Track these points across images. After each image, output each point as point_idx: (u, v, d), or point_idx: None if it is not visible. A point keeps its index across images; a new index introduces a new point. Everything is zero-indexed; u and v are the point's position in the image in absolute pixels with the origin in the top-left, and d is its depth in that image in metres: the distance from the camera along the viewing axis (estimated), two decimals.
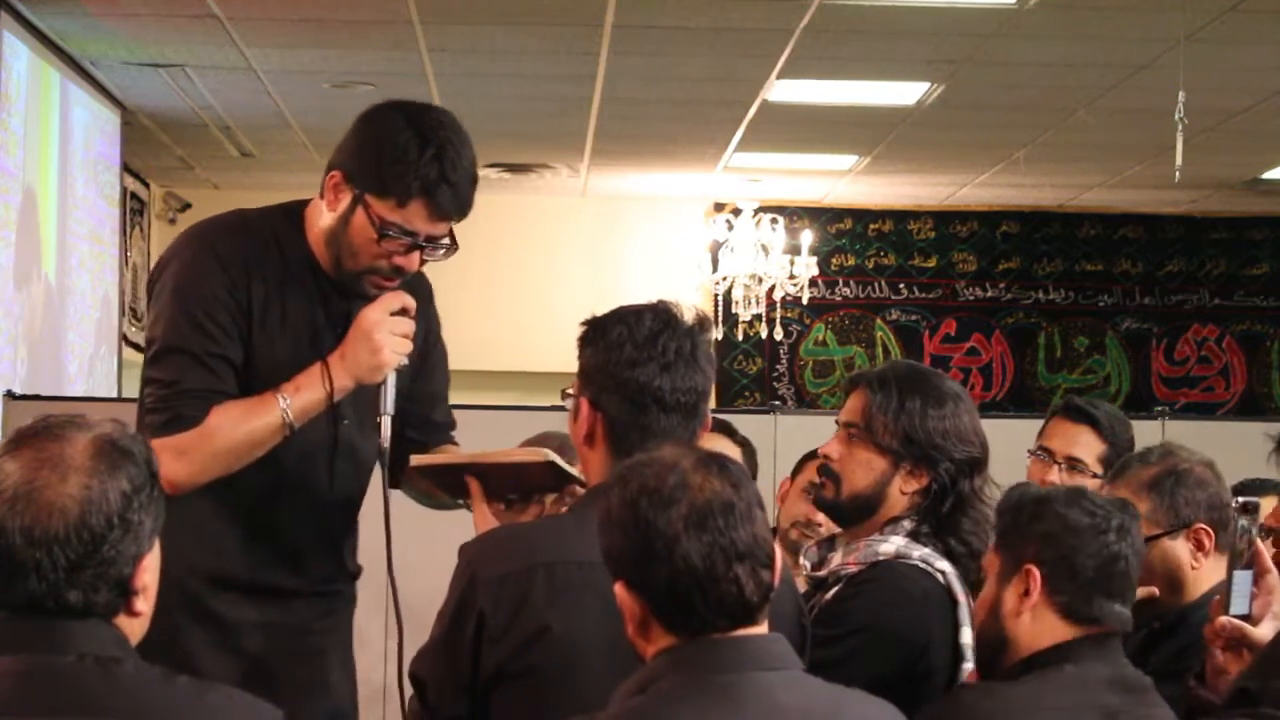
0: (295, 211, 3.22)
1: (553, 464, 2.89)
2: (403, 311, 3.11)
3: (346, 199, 3.08)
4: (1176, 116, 6.65)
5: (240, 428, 3.05)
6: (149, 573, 2.12)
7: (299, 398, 3.07)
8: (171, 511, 3.07)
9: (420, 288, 3.32)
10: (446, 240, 3.13)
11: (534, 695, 2.50)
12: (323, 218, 3.14)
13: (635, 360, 2.62)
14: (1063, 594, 2.67)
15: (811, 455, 4.24)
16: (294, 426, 3.07)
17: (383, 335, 3.07)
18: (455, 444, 3.43)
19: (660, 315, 2.66)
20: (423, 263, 3.15)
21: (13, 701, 2.02)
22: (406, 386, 3.26)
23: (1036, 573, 2.67)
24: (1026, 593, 2.68)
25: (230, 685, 2.98)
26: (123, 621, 2.10)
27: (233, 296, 3.10)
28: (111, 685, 2.04)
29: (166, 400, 3.06)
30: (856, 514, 3.10)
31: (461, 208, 3.11)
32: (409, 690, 2.68)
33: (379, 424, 3.12)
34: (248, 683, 2.98)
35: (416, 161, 3.03)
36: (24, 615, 2.05)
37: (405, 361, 3.12)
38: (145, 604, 2.12)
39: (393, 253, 3.08)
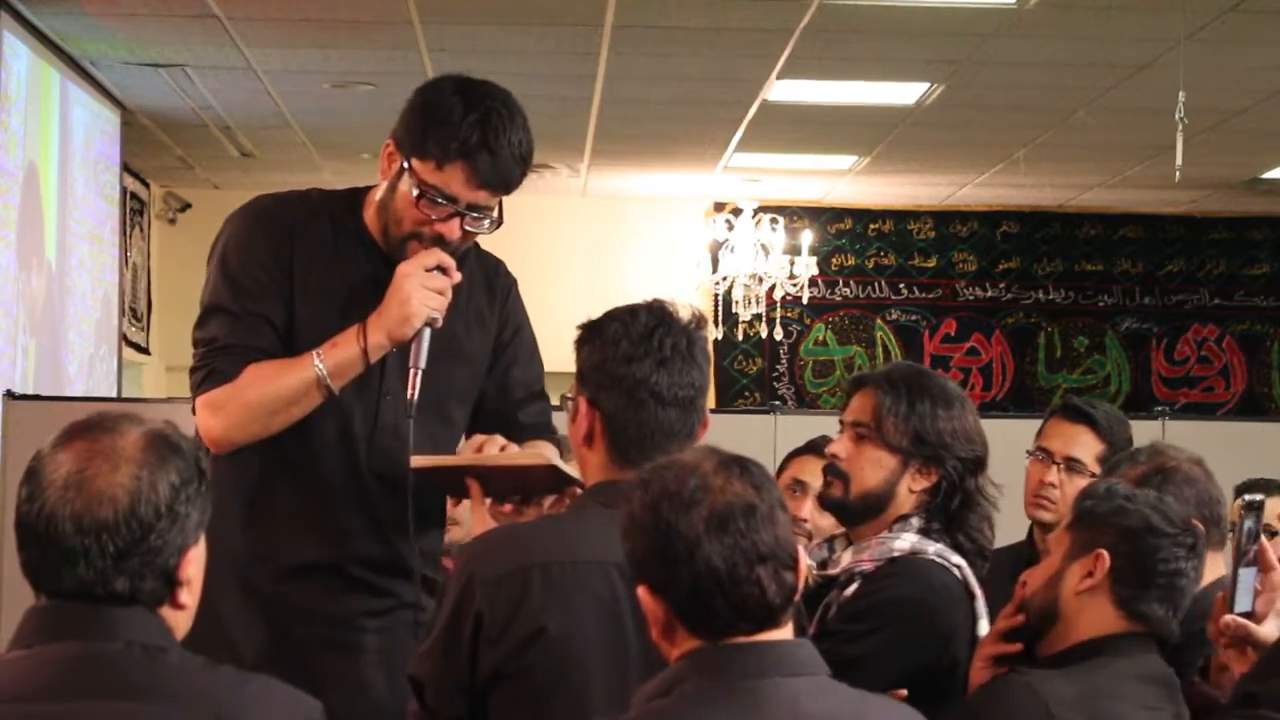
0: (360, 191, 3.24)
1: (554, 467, 2.89)
2: (441, 270, 3.09)
3: (396, 165, 3.10)
4: (1176, 116, 6.65)
5: (273, 383, 3.06)
6: (194, 565, 2.15)
7: (333, 354, 3.06)
8: (218, 477, 3.09)
9: (498, 276, 3.32)
10: (493, 213, 3.10)
11: (531, 696, 2.50)
12: (379, 191, 3.16)
13: (631, 356, 2.62)
14: (1126, 587, 2.76)
15: (795, 454, 4.26)
16: (330, 385, 3.06)
17: (412, 285, 3.05)
18: (554, 442, 3.29)
19: (655, 312, 2.67)
20: (466, 235, 3.12)
21: (62, 686, 2.06)
22: (481, 381, 3.26)
23: (1107, 558, 2.75)
24: (1091, 574, 2.76)
25: (255, 658, 3.00)
26: (167, 613, 2.13)
27: (273, 258, 3.13)
28: (156, 672, 2.08)
29: (204, 358, 3.10)
30: (865, 513, 3.12)
31: (502, 178, 3.07)
32: None
33: (411, 376, 3.09)
34: (275, 660, 2.98)
35: (458, 125, 3.02)
36: (72, 601, 2.09)
37: (437, 317, 3.09)
38: (190, 597, 2.15)
39: (433, 219, 3.07)
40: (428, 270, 3.08)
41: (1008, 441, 4.34)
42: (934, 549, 3.06)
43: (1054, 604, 2.79)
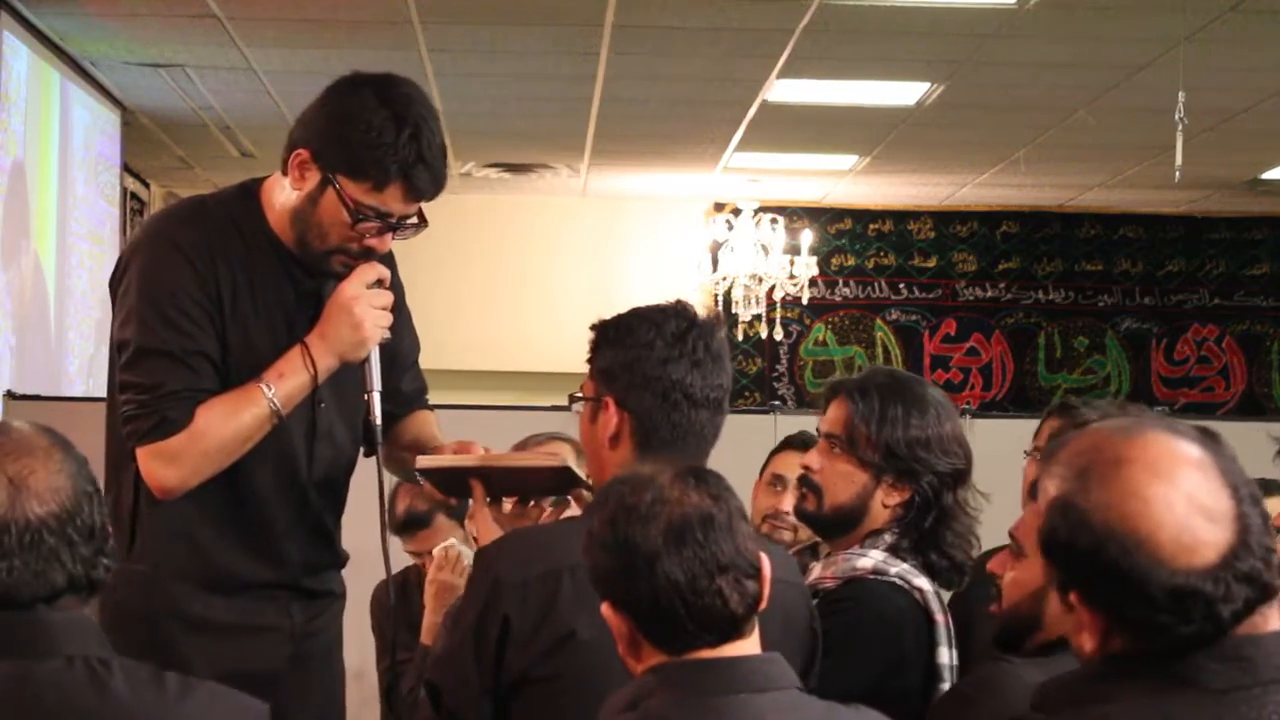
0: (252, 190, 3.12)
1: (565, 468, 2.88)
2: (379, 283, 3.05)
3: (314, 179, 2.99)
4: (1176, 116, 6.65)
5: (229, 424, 2.96)
6: None
7: (283, 384, 2.99)
8: (155, 514, 3.05)
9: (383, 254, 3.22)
10: (415, 219, 3.05)
11: (557, 699, 2.48)
12: (286, 196, 3.04)
13: (667, 358, 2.62)
14: None
15: (775, 450, 4.29)
16: (282, 415, 3.00)
17: (363, 309, 3.01)
18: (429, 409, 3.36)
19: (684, 314, 2.67)
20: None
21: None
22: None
23: None
24: None
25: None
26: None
27: (201, 288, 3.00)
28: (102, 690, 2.03)
29: (149, 405, 2.96)
30: (838, 527, 3.07)
31: (439, 187, 3.02)
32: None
33: (366, 401, 3.07)
34: (244, 689, 2.98)
35: (394, 144, 2.94)
36: (6, 610, 2.03)
37: (388, 335, 3.06)
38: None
39: (364, 234, 3.00)
40: (369, 287, 3.03)
41: (1008, 441, 4.33)
42: (896, 570, 2.99)
43: (1039, 617, 2.67)
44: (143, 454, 2.98)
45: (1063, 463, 1.93)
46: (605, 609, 2.22)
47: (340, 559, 3.28)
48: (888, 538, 3.02)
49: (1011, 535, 2.81)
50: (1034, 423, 4.25)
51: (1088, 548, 1.86)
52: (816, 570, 3.07)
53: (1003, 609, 2.75)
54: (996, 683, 2.63)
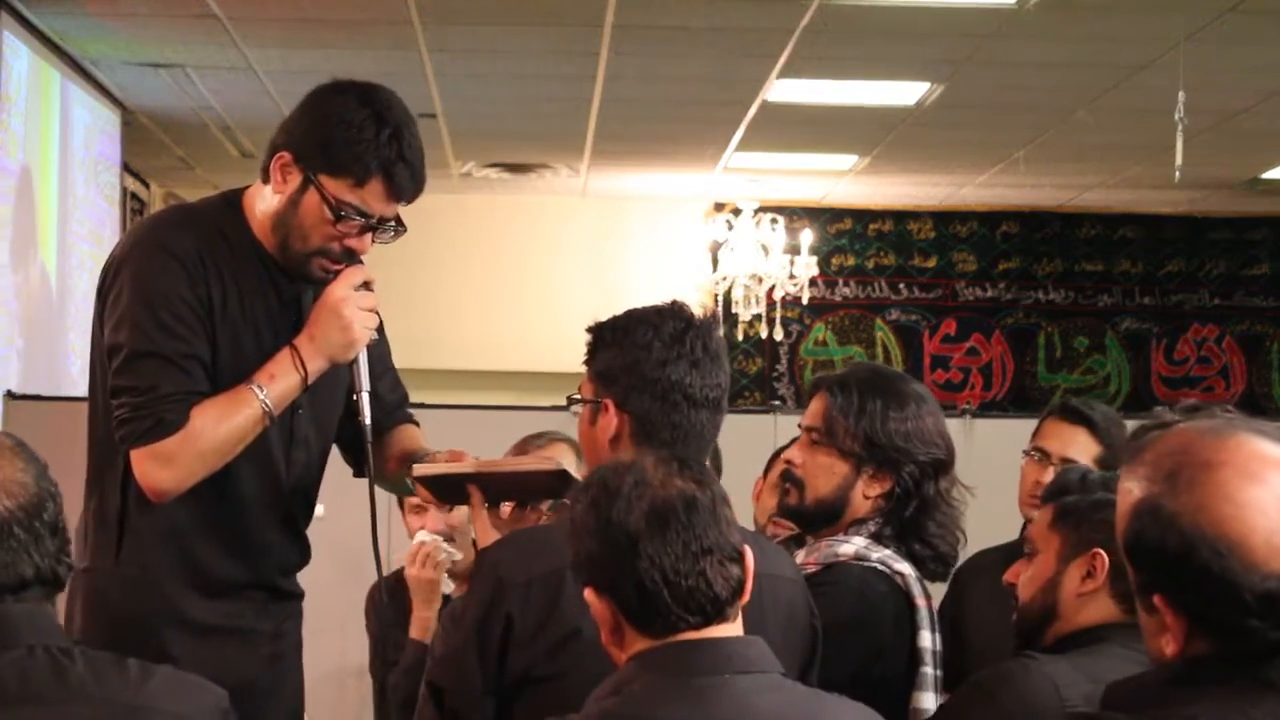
0: (235, 199, 3.16)
1: (562, 471, 2.88)
2: (365, 285, 3.07)
3: (296, 180, 3.03)
4: (1176, 116, 6.66)
5: (222, 426, 2.99)
6: None
7: (275, 386, 3.02)
8: (143, 518, 3.07)
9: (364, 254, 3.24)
10: (393, 222, 3.08)
11: (561, 698, 2.48)
12: (267, 201, 3.08)
13: (665, 359, 2.62)
14: (1126, 582, 2.67)
15: (780, 451, 4.29)
16: (274, 416, 3.02)
17: (351, 311, 3.03)
18: (414, 423, 3.38)
19: (680, 315, 2.67)
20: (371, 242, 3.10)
21: None
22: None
23: (1105, 558, 2.67)
24: (1090, 574, 2.69)
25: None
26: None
27: (194, 292, 3.03)
28: (65, 674, 2.08)
29: (144, 407, 2.98)
30: (821, 519, 3.09)
31: (418, 187, 3.06)
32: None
33: (356, 401, 3.09)
34: (229, 691, 2.98)
35: (374, 141, 2.98)
36: None
37: (375, 336, 3.09)
38: None
39: (345, 234, 3.03)
40: (356, 289, 3.06)
41: (1008, 441, 4.33)
42: (878, 555, 3.01)
43: (1053, 606, 2.73)
44: (138, 456, 2.99)
45: (1149, 464, 1.91)
46: (589, 594, 2.22)
47: (307, 558, 3.31)
48: (870, 526, 3.05)
49: (1029, 539, 2.82)
50: (1034, 423, 4.26)
51: (1178, 551, 1.85)
52: (800, 557, 3.09)
53: (1019, 606, 2.75)
54: (1017, 676, 2.63)
